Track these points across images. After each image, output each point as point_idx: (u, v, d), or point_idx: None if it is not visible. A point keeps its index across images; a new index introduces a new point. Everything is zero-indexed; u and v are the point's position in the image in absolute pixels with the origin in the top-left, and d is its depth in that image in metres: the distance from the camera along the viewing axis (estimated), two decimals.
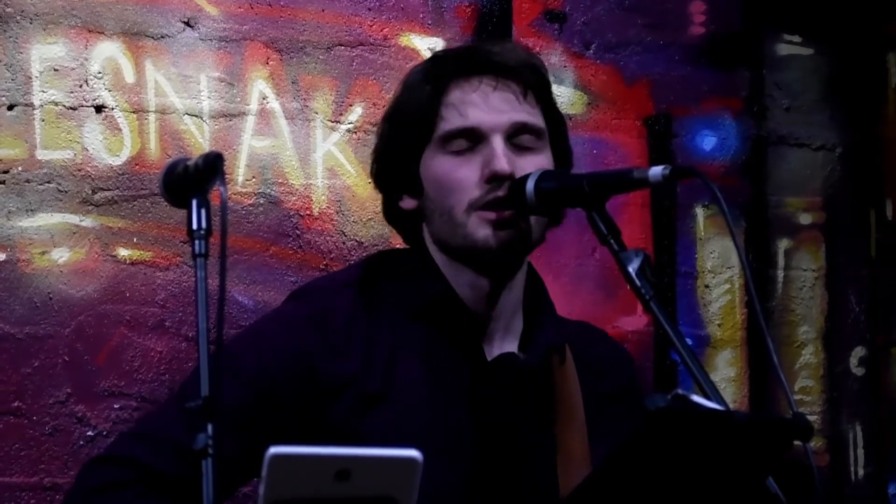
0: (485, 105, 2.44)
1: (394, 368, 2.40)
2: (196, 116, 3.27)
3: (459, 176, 2.42)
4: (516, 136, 2.44)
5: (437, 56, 2.64)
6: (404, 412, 2.37)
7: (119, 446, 2.46)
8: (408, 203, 2.49)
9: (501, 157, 2.39)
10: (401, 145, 2.47)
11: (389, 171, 2.51)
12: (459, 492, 2.37)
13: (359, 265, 2.59)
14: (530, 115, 2.46)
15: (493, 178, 2.40)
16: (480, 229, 2.41)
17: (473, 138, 2.42)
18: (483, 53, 2.51)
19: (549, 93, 2.52)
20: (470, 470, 2.39)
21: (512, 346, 2.49)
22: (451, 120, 2.43)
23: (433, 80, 2.46)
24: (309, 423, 2.33)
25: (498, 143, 2.41)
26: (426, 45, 3.51)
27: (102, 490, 2.37)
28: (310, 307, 2.45)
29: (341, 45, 3.43)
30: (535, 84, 2.49)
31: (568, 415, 2.48)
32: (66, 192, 3.15)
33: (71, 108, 3.17)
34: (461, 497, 2.37)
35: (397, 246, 2.70)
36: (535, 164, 2.42)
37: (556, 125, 2.51)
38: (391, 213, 2.55)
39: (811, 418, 3.85)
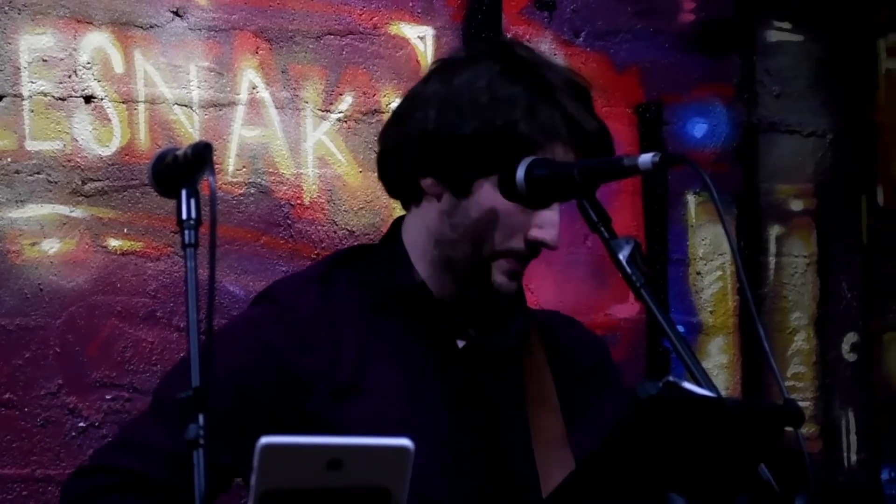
0: None
1: (365, 360, 2.41)
2: (186, 106, 3.27)
3: (510, 222, 2.40)
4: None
5: (542, 90, 2.44)
6: (378, 403, 2.38)
7: (100, 457, 2.47)
8: (432, 187, 2.45)
9: (557, 231, 2.40)
10: (478, 149, 2.39)
11: (444, 156, 2.42)
12: (439, 480, 2.37)
13: (323, 262, 2.59)
14: None
15: (541, 245, 2.41)
16: (500, 275, 2.42)
17: None
18: (590, 130, 2.44)
19: None
20: (448, 458, 2.39)
21: (483, 331, 2.50)
22: None
23: (545, 127, 2.38)
24: (286, 420, 2.33)
25: (556, 214, 2.40)
26: (416, 33, 3.51)
27: (87, 497, 2.37)
28: (274, 307, 2.45)
29: (331, 34, 3.42)
30: None
31: (540, 401, 2.48)
32: (55, 182, 3.15)
33: (60, 99, 3.16)
34: (441, 485, 2.37)
35: None
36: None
37: None
38: (400, 174, 2.48)
39: (803, 404, 3.86)
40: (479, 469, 2.42)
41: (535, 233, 2.40)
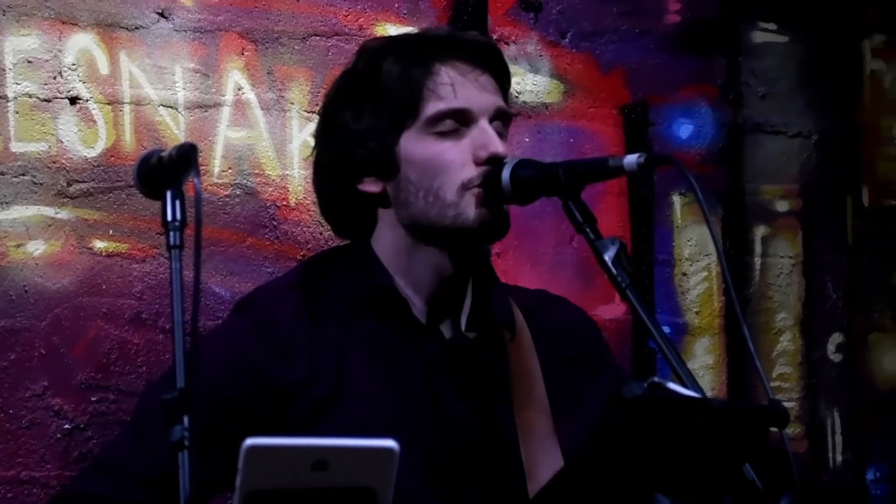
0: (474, 88, 2.45)
1: (345, 369, 2.40)
2: (171, 108, 3.26)
3: (450, 157, 2.42)
4: (494, 121, 2.45)
5: (408, 38, 2.59)
6: (360, 411, 2.38)
7: (81, 483, 2.45)
8: (371, 186, 2.48)
9: (496, 139, 2.42)
10: (379, 125, 2.45)
11: (358, 153, 2.47)
12: (424, 481, 2.37)
13: (298, 268, 2.59)
14: (504, 103, 2.48)
15: (491, 160, 2.40)
16: (473, 207, 2.41)
17: (462, 120, 2.43)
18: (466, 39, 2.51)
19: (509, 87, 2.56)
20: (433, 459, 2.39)
21: (463, 324, 2.50)
22: (441, 100, 2.43)
23: (419, 61, 2.45)
24: (267, 434, 2.32)
25: (487, 125, 2.43)
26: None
27: None
28: (253, 317, 2.45)
29: (317, 35, 3.42)
30: (506, 76, 2.53)
31: (526, 391, 2.49)
32: (40, 184, 3.14)
33: (45, 100, 3.15)
34: (426, 486, 2.37)
35: None
36: (507, 150, 2.45)
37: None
38: (342, 198, 2.52)
39: (789, 405, 3.87)
40: (464, 468, 2.42)
41: (482, 153, 2.42)
